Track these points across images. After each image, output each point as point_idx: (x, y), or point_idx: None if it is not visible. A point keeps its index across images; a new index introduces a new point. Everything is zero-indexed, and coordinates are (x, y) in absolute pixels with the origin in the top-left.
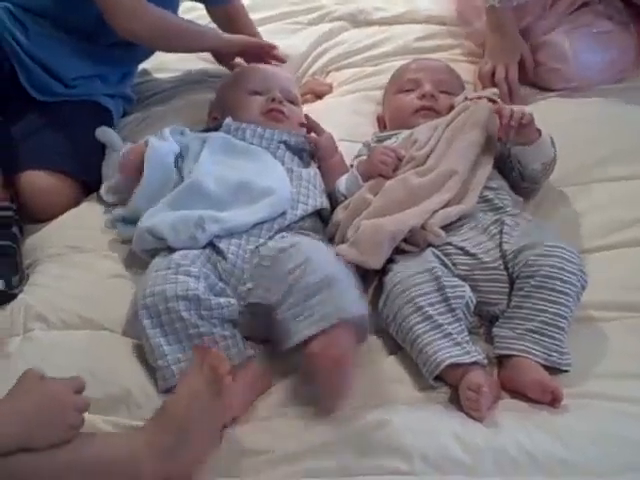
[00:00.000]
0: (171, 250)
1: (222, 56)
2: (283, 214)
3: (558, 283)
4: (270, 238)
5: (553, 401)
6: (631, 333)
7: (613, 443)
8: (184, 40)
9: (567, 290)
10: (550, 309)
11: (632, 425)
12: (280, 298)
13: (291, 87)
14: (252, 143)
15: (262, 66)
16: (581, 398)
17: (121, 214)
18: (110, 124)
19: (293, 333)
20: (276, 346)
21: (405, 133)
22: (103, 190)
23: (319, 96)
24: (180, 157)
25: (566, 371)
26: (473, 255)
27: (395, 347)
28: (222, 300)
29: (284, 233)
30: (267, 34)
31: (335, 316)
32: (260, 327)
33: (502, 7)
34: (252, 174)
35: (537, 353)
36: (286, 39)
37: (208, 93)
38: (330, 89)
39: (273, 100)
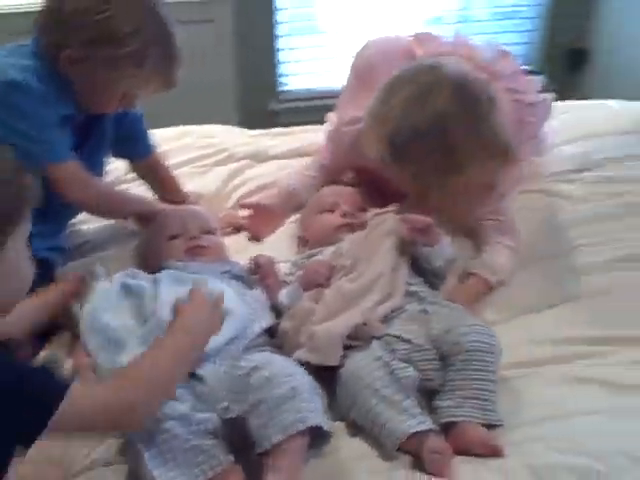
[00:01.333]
0: None
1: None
2: (244, 333)
3: (481, 355)
4: (238, 358)
5: (495, 453)
6: (542, 384)
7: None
8: (123, 207)
9: (489, 359)
10: (479, 377)
11: (558, 457)
12: (249, 409)
13: (206, 220)
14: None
15: (178, 209)
16: (517, 445)
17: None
18: (52, 277)
19: (261, 441)
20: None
21: (330, 248)
22: None
23: (237, 228)
24: (131, 295)
25: (500, 425)
26: (408, 341)
27: (355, 430)
28: (206, 415)
29: (249, 351)
30: (180, 177)
31: (297, 426)
32: (236, 437)
33: None
34: None
35: (477, 415)
36: (198, 180)
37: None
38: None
39: (191, 238)
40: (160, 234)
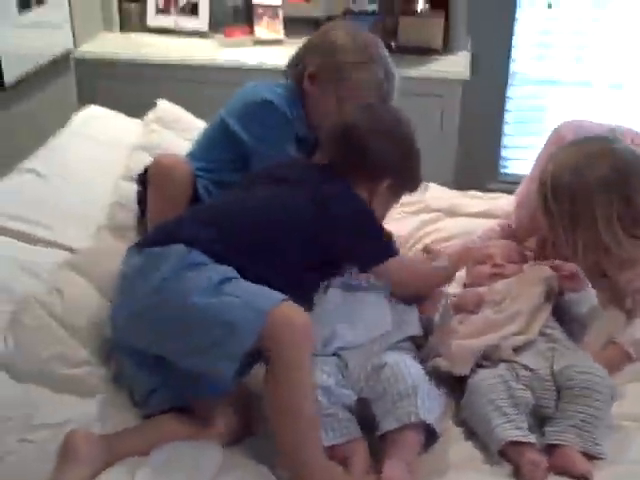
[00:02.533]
0: None
1: None
2: (389, 335)
3: (590, 392)
4: (378, 353)
5: (585, 476)
6: None
7: None
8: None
9: (597, 397)
10: (587, 411)
11: None
12: (376, 397)
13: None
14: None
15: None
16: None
17: None
18: None
19: (381, 425)
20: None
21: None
22: None
23: None
24: None
25: (601, 458)
26: (532, 370)
27: (468, 435)
28: (345, 391)
29: (389, 350)
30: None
31: (410, 418)
32: (365, 417)
33: None
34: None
35: (577, 442)
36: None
37: None
38: None
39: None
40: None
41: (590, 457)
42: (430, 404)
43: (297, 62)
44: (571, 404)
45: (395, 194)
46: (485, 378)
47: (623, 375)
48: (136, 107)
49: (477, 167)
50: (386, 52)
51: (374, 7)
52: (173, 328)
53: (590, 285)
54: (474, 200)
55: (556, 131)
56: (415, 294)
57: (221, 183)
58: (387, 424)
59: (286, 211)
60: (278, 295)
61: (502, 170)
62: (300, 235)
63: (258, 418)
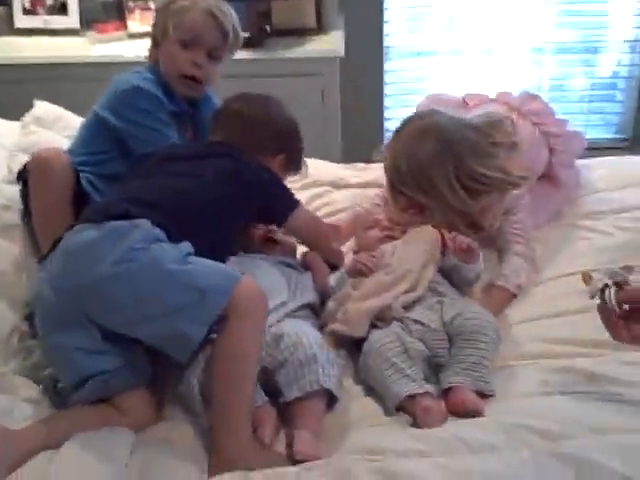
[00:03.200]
0: None
1: None
2: (285, 304)
3: (478, 336)
4: (277, 324)
5: (477, 412)
6: (537, 371)
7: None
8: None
9: (485, 339)
10: (476, 354)
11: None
12: (278, 365)
13: None
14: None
15: None
16: (498, 411)
17: None
18: None
19: (286, 394)
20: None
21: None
22: None
23: None
24: None
25: (491, 395)
26: (423, 324)
27: (367, 392)
28: None
29: (287, 319)
30: None
31: (313, 386)
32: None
33: None
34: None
35: (469, 382)
36: None
37: None
38: None
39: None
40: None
41: (482, 395)
42: (329, 370)
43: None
44: (461, 349)
45: (285, 172)
46: (379, 338)
47: (510, 318)
48: (14, 110)
49: (362, 141)
50: None
51: None
52: (145, 293)
53: (481, 257)
54: (358, 172)
55: (418, 108)
56: (319, 248)
57: (104, 175)
58: (290, 393)
59: (209, 187)
60: (235, 270)
61: (386, 142)
62: (226, 206)
63: (167, 401)
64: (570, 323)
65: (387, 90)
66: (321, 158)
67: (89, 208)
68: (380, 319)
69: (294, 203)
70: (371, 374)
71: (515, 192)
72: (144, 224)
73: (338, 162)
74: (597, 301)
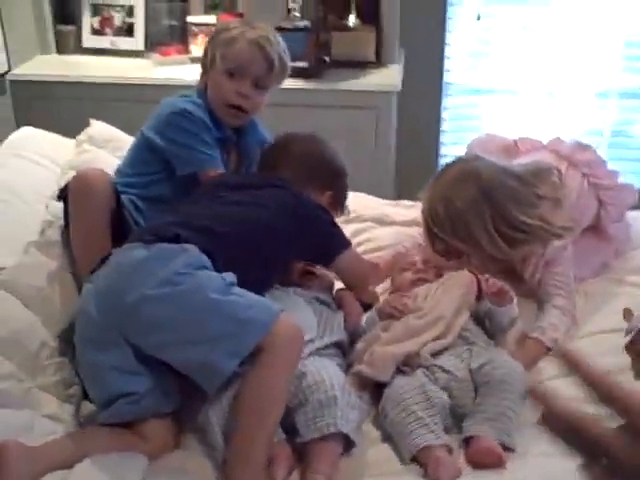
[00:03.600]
0: None
1: None
2: (312, 341)
3: (505, 386)
4: (303, 359)
5: (499, 462)
6: None
7: None
8: None
9: (513, 391)
10: (501, 404)
11: None
12: (298, 404)
13: None
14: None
15: None
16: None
17: None
18: None
19: (302, 434)
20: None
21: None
22: None
23: None
24: None
25: (513, 450)
26: (449, 372)
27: (386, 436)
28: None
29: (312, 356)
30: None
31: (330, 429)
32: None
33: None
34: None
35: (491, 432)
36: None
37: None
38: None
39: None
40: None
41: (503, 448)
42: (348, 414)
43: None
44: (486, 397)
45: (332, 209)
46: (402, 385)
47: (544, 372)
48: (73, 128)
49: (417, 177)
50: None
51: (306, 23)
52: (184, 318)
53: (515, 301)
54: (405, 209)
55: (469, 147)
56: (357, 289)
57: (149, 198)
58: (307, 433)
59: (273, 218)
60: (277, 305)
61: None
62: (284, 238)
63: (185, 431)
64: None
65: (444, 126)
66: (372, 193)
67: (141, 228)
68: (406, 364)
69: (346, 244)
70: (390, 421)
71: (558, 243)
72: (192, 249)
73: (390, 198)
74: (627, 338)
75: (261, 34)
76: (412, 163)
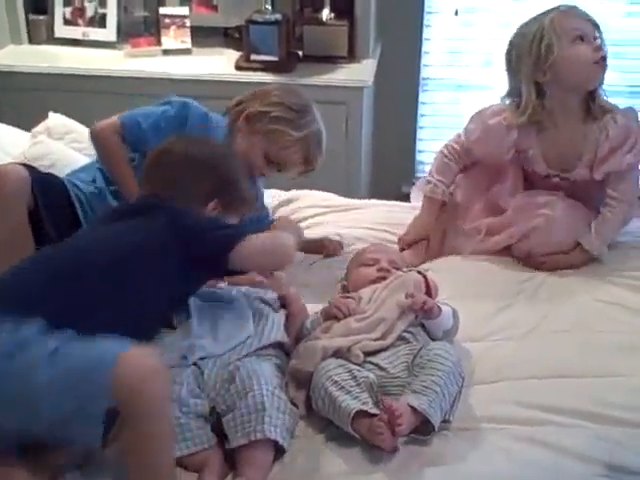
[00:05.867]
0: None
1: None
2: (248, 343)
3: (436, 365)
4: (233, 364)
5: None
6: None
7: None
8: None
9: (442, 368)
10: (428, 379)
11: None
12: (226, 409)
13: None
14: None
15: None
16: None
17: None
18: None
19: (230, 440)
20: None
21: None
22: None
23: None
24: None
25: (431, 423)
26: (383, 369)
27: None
28: (197, 401)
29: (248, 357)
30: None
31: (257, 435)
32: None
33: None
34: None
35: (411, 399)
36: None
37: None
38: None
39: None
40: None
41: (425, 421)
42: (277, 419)
43: (239, 103)
44: (416, 377)
45: (228, 212)
46: (327, 364)
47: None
48: (42, 119)
49: (393, 173)
50: (319, 123)
51: (277, 16)
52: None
53: (450, 312)
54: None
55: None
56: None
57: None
58: (235, 440)
59: (136, 246)
60: (116, 346)
61: (418, 174)
62: (152, 268)
63: None
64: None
65: (422, 122)
66: (342, 189)
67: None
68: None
69: (232, 240)
70: (321, 399)
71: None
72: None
73: (361, 193)
74: None
75: (314, 148)
76: (388, 159)
